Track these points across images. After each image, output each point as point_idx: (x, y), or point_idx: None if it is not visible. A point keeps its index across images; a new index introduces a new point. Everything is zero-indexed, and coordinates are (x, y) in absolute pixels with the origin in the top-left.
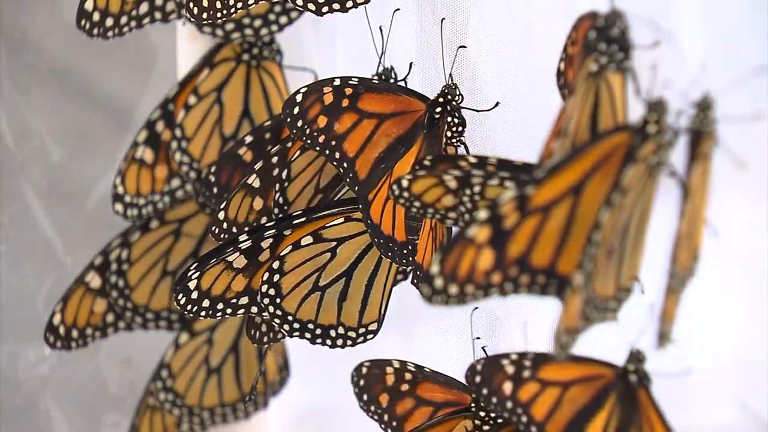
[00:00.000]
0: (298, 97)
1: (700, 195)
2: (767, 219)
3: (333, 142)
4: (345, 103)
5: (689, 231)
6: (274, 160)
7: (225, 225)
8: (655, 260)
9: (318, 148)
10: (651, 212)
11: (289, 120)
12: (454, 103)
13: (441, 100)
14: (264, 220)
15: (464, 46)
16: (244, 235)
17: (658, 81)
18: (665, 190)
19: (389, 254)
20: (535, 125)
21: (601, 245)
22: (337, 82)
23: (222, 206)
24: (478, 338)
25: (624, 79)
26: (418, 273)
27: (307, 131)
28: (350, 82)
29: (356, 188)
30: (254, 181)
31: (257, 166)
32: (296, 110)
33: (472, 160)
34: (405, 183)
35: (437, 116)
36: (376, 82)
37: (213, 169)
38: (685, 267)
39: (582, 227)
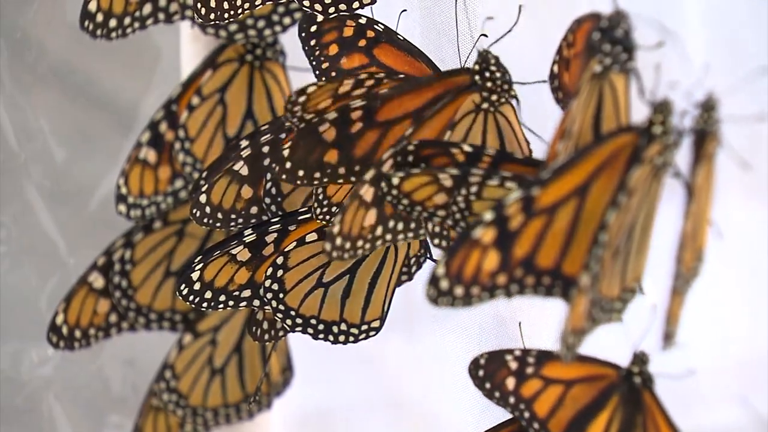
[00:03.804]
0: (319, 18)
1: (704, 195)
2: None
3: (333, 73)
4: (361, 42)
5: (694, 231)
6: (265, 149)
7: (208, 209)
8: (658, 261)
9: (317, 72)
10: (656, 213)
11: (303, 35)
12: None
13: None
14: (254, 209)
15: (485, 35)
16: (249, 229)
17: (662, 82)
18: (669, 191)
19: None
20: (540, 125)
21: (607, 246)
22: (361, 20)
23: (203, 190)
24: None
25: (627, 80)
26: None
27: (316, 53)
28: (375, 25)
29: None
30: (241, 168)
31: (245, 153)
32: (313, 28)
33: (467, 149)
34: (396, 181)
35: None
36: (401, 38)
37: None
38: (689, 268)
39: (587, 228)
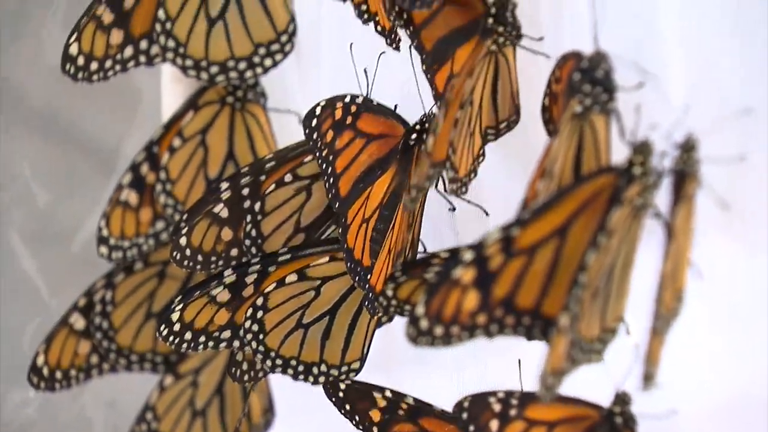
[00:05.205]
0: (317, 110)
1: (684, 236)
2: (750, 260)
3: (330, 157)
4: (348, 120)
5: (673, 272)
6: (245, 191)
7: (188, 252)
8: (639, 301)
9: (321, 162)
10: (636, 253)
11: (307, 131)
12: None
13: (418, 127)
14: (234, 251)
15: None
16: (229, 269)
17: (642, 123)
18: (649, 231)
19: (356, 279)
20: (527, 156)
21: (587, 287)
22: (347, 99)
23: (183, 232)
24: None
25: (608, 121)
26: (369, 296)
27: (319, 144)
28: (356, 100)
29: (336, 205)
30: (221, 210)
31: (225, 195)
32: (314, 122)
33: (444, 255)
34: (389, 292)
35: (412, 143)
36: (375, 103)
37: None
38: (669, 308)
39: (567, 269)
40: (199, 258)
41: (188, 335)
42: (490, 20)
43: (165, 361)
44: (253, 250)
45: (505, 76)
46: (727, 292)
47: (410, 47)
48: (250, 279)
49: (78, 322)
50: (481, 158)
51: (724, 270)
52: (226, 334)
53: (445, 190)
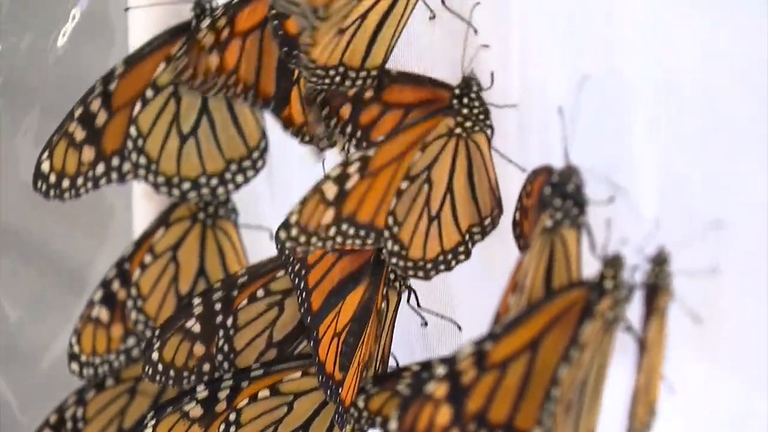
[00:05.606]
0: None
1: (656, 349)
2: (724, 373)
3: (303, 272)
4: None
5: (646, 386)
6: (217, 306)
7: (160, 367)
8: (612, 414)
9: (293, 277)
10: (608, 367)
11: (279, 245)
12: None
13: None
14: (206, 366)
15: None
16: (202, 385)
17: (613, 236)
18: (622, 350)
19: (328, 393)
20: (500, 267)
21: (559, 401)
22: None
23: (156, 347)
24: None
25: (579, 235)
26: (339, 410)
27: (291, 259)
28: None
29: (308, 319)
30: (193, 325)
31: (197, 311)
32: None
33: (416, 368)
34: (361, 404)
35: (383, 257)
36: None
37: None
38: (642, 422)
39: (539, 383)
40: (171, 373)
41: None
42: (454, 101)
43: None
44: (226, 365)
45: (480, 168)
46: (701, 406)
47: None
48: (222, 395)
49: None
50: (462, 256)
51: (698, 384)
52: None
53: (417, 304)
